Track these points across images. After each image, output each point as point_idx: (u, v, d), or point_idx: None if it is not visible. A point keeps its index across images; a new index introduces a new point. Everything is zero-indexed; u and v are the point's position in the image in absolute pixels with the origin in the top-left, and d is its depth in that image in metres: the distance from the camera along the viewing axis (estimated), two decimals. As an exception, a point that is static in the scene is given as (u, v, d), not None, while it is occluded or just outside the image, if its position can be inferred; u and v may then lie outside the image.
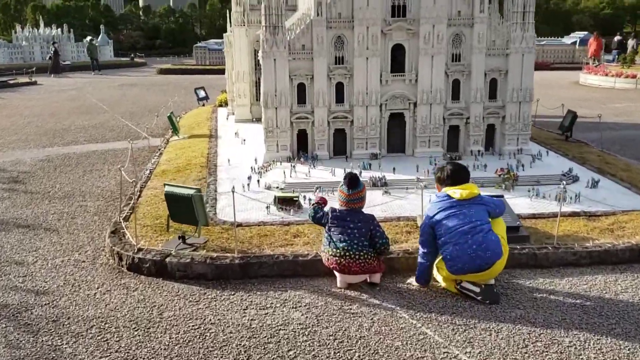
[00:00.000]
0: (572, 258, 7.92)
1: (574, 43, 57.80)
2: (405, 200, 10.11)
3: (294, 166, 11.56)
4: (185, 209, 7.97)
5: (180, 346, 6.05)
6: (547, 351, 5.85)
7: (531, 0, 12.55)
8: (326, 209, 7.59)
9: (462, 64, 12.76)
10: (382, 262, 7.39)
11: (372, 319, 6.54)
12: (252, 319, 6.57)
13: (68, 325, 6.50)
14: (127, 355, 5.88)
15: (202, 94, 24.07)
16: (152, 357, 5.84)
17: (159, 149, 15.56)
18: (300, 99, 12.65)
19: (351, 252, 7.12)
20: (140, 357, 5.85)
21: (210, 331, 6.34)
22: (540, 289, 7.26)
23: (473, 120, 12.91)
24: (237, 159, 13.27)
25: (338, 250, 7.17)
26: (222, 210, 9.63)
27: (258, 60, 17.30)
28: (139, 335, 6.27)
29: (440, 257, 7.24)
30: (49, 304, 7.04)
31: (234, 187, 7.60)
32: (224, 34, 20.37)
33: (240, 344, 6.05)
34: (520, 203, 9.74)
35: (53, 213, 10.73)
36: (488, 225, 7.05)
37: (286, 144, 12.65)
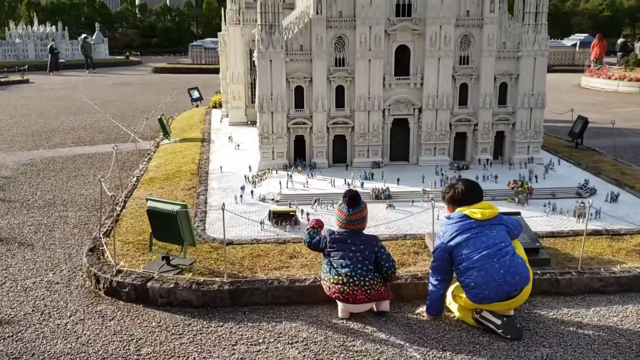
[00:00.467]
0: (598, 285, 7.15)
1: (574, 45, 57.19)
2: (410, 215, 9.32)
3: (290, 175, 10.76)
4: (169, 227, 7.17)
5: (159, 392, 5.26)
6: (580, 401, 5.09)
7: (544, 0, 11.80)
8: (323, 232, 6.79)
9: (471, 67, 11.98)
10: (389, 289, 6.60)
11: (378, 358, 5.75)
12: (241, 358, 5.78)
13: (32, 364, 5.71)
14: (97, 404, 5.09)
15: (195, 94, 23.28)
16: (126, 406, 5.06)
17: (149, 154, 14.75)
18: (298, 103, 11.85)
19: (355, 278, 6.34)
20: (112, 406, 5.06)
21: (193, 372, 5.55)
22: (565, 322, 6.48)
23: (481, 127, 12.13)
24: (230, 166, 12.47)
25: (340, 277, 6.38)
26: (211, 225, 8.83)
27: (254, 61, 16.53)
28: (112, 377, 5.48)
29: (456, 285, 6.47)
30: (12, 336, 6.23)
31: (224, 204, 6.78)
32: (218, 33, 19.56)
33: (227, 390, 5.26)
34: (536, 219, 8.96)
35: (30, 225, 9.92)
36: (512, 247, 6.30)
37: (282, 151, 11.86)
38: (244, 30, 17.05)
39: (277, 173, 11.34)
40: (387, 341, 6.06)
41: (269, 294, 6.83)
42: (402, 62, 11.87)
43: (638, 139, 17.55)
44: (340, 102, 11.88)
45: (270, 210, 8.86)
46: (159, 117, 16.26)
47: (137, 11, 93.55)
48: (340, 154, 12.11)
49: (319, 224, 7.02)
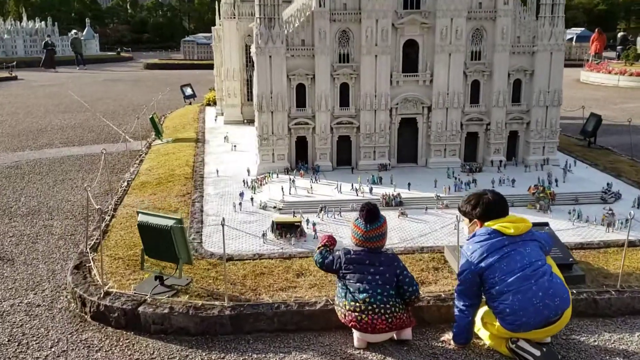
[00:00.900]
0: (640, 305, 6.45)
1: (570, 39, 56.46)
2: (425, 224, 8.60)
3: (293, 180, 10.00)
4: (163, 244, 6.41)
5: None
6: None
7: (561, -10, 11.09)
8: (337, 251, 6.05)
9: (483, 63, 11.25)
10: (411, 314, 5.87)
11: (403, 398, 5.03)
12: (247, 399, 5.04)
13: (5, 408, 4.97)
14: None
15: (188, 91, 22.47)
16: None
17: (140, 155, 13.96)
18: (300, 102, 11.09)
19: (375, 305, 5.60)
20: None
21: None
22: (608, 349, 5.78)
23: (494, 127, 11.41)
24: (227, 169, 11.71)
25: (358, 304, 5.64)
26: (209, 238, 8.07)
27: (250, 57, 15.75)
28: None
29: (485, 309, 5.74)
30: (-16, 373, 5.48)
31: (223, 220, 6.02)
32: (212, 28, 18.74)
33: None
34: (561, 228, 8.25)
35: (11, 236, 9.14)
36: (549, 266, 5.59)
37: (283, 153, 11.10)
38: (240, 24, 16.25)
39: (277, 177, 10.59)
40: (411, 376, 5.34)
41: (275, 319, 6.08)
42: (410, 57, 11.14)
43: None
44: (344, 101, 11.13)
45: (273, 221, 8.10)
46: (151, 116, 15.45)
47: (128, 6, 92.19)
48: (344, 156, 11.37)
49: (331, 241, 6.28)
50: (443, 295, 6.34)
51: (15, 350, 5.87)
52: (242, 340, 5.96)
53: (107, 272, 7.00)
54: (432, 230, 8.24)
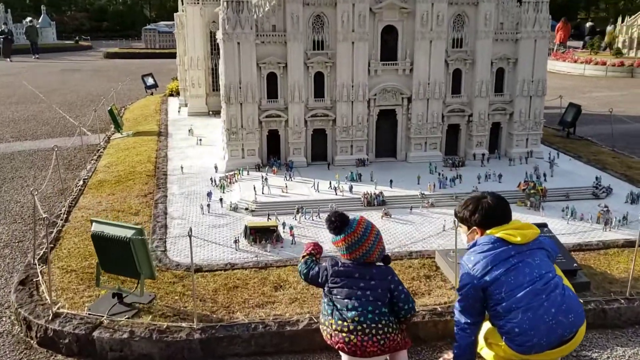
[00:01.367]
0: (652, 314, 5.91)
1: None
2: (411, 225, 7.95)
3: (266, 179, 9.23)
4: (121, 257, 5.59)
5: None
6: None
7: (546, -25, 10.52)
8: (324, 262, 5.31)
9: (465, 51, 10.63)
10: (407, 334, 5.19)
11: None
12: None
13: None
14: None
15: (150, 81, 21.40)
16: None
17: (98, 150, 12.99)
18: (271, 93, 10.30)
19: (365, 325, 4.89)
20: None
21: None
22: (625, 368, 5.21)
23: (476, 118, 10.82)
24: (192, 165, 10.86)
25: (346, 323, 4.92)
26: (174, 245, 7.25)
27: (215, 44, 14.86)
28: None
29: (489, 328, 5.09)
30: None
31: (190, 230, 5.23)
32: (175, 14, 17.71)
33: None
34: (556, 227, 7.67)
35: (-50, 243, 8.17)
36: (560, 278, 4.96)
37: (254, 148, 10.31)
38: (204, 10, 15.31)
39: (248, 174, 9.81)
40: (411, 407, 4.67)
41: (252, 341, 5.34)
42: (389, 45, 10.44)
43: (626, 126, 16.58)
44: (319, 92, 10.38)
45: (246, 226, 7.32)
46: (109, 107, 14.44)
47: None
48: (320, 151, 10.63)
49: (317, 249, 5.52)
50: (439, 309, 5.69)
51: (-54, 387, 5.01)
52: (215, 367, 5.22)
53: (58, 287, 6.15)
54: (426, 236, 7.56)
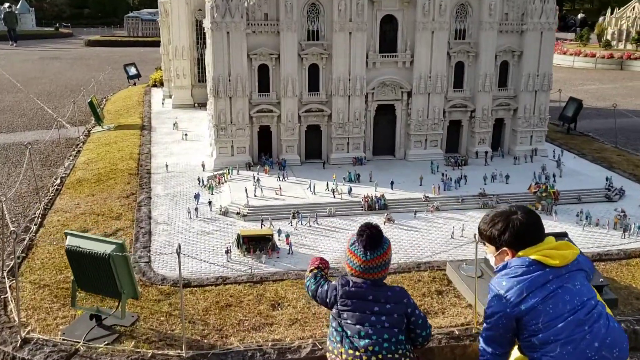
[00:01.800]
0: (685, 335, 5.39)
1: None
2: (416, 232, 7.36)
3: (258, 179, 8.59)
4: (100, 274, 4.95)
5: None
6: None
7: (554, -37, 9.96)
8: (333, 280, 4.69)
9: (468, 43, 10.05)
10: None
11: None
12: None
13: None
14: None
15: (132, 71, 20.57)
16: None
17: (77, 145, 12.25)
18: (263, 86, 9.65)
19: (381, 355, 4.29)
20: None
21: None
22: (664, 400, 4.68)
23: (479, 114, 10.26)
24: (178, 162, 10.19)
25: (358, 353, 4.32)
26: (159, 256, 6.58)
27: (202, 33, 14.13)
28: None
29: (518, 356, 4.51)
30: None
31: (179, 247, 4.59)
32: (159, 2, 16.91)
33: None
34: (572, 235, 7.09)
35: None
36: (602, 305, 4.37)
37: (244, 145, 9.66)
38: (190, -3, 14.58)
39: (238, 174, 9.17)
40: None
41: (248, 372, 4.73)
42: (388, 36, 9.85)
43: (625, 120, 16.14)
44: (314, 85, 9.77)
45: (239, 234, 6.68)
46: (90, 99, 13.66)
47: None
48: (314, 148, 10.03)
49: (324, 264, 4.89)
50: (457, 332, 5.12)
51: None
52: (206, 402, 4.60)
53: (29, 306, 5.50)
54: (435, 244, 6.98)
